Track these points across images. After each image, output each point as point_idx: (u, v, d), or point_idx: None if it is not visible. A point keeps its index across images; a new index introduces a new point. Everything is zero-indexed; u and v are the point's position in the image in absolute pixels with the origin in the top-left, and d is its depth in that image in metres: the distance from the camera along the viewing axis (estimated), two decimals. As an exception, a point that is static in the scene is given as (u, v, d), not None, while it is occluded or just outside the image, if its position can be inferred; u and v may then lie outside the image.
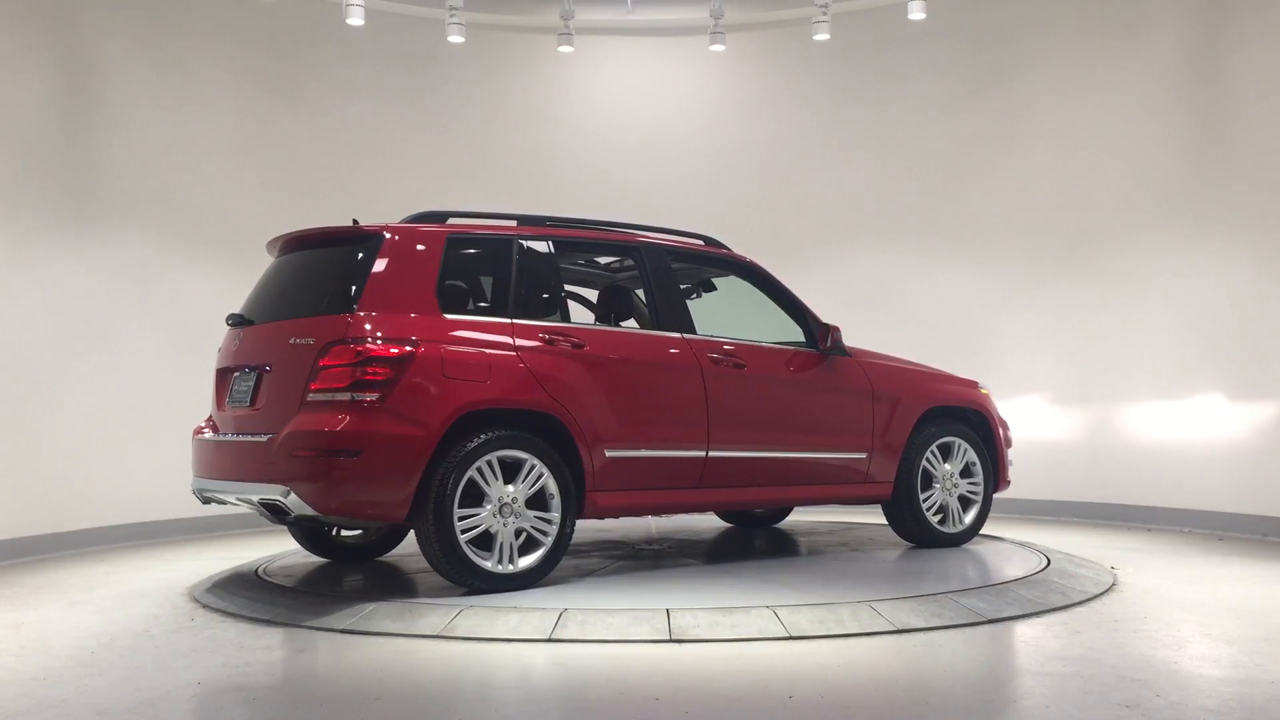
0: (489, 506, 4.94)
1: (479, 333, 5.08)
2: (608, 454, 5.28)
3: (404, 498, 4.78)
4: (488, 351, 5.03)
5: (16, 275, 7.11)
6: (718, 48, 9.19)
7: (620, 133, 9.70)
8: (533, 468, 5.04)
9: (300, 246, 5.48)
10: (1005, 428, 6.81)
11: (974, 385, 6.76)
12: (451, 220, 5.43)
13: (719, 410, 5.62)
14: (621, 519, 7.79)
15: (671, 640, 4.29)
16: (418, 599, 4.88)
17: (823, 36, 8.93)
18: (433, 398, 4.83)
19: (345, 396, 4.75)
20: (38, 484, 7.10)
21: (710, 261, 6.28)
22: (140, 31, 8.04)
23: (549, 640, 4.31)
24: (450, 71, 9.43)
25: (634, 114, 9.75)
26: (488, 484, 4.94)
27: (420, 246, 5.16)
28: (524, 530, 5.07)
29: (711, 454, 5.61)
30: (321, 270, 5.28)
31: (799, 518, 7.93)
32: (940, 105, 9.25)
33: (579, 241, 5.89)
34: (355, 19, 8.39)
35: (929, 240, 9.27)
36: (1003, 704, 3.58)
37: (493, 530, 4.96)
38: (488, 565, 4.94)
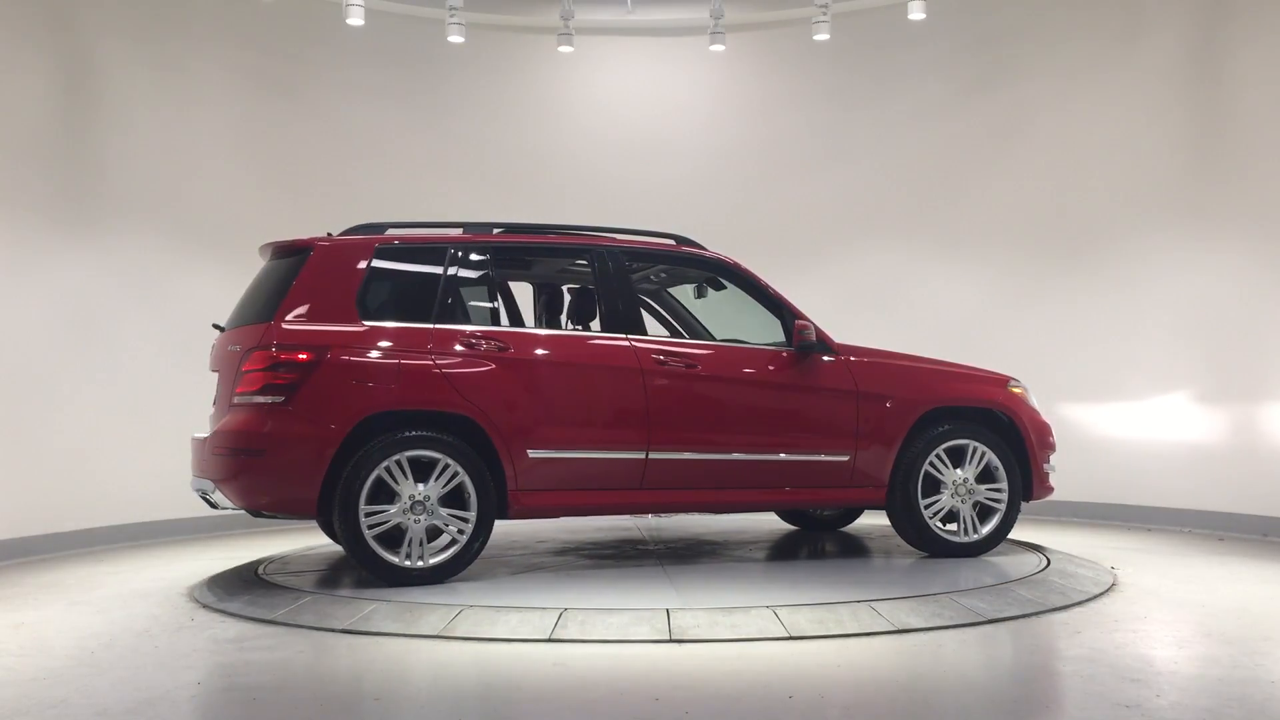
0: (398, 504, 5.16)
1: (395, 338, 5.31)
2: (531, 455, 5.37)
3: (311, 495, 5.10)
4: (402, 356, 5.26)
5: (16, 276, 7.10)
6: (718, 48, 9.19)
7: (620, 133, 9.69)
8: (446, 467, 5.21)
9: (267, 257, 5.79)
10: (1043, 430, 6.28)
11: (1000, 383, 6.27)
12: (391, 230, 5.66)
13: (661, 412, 5.58)
14: (621, 520, 7.82)
15: (671, 640, 4.29)
16: (418, 599, 4.88)
17: (823, 37, 8.92)
18: (338, 401, 5.13)
19: (258, 399, 5.14)
20: (38, 484, 7.10)
21: (681, 261, 6.24)
22: (140, 31, 8.03)
23: (549, 640, 4.31)
24: (450, 71, 9.42)
25: (634, 114, 9.75)
26: (397, 483, 5.15)
27: (347, 258, 5.45)
28: (439, 528, 5.26)
29: (653, 455, 5.57)
30: (267, 281, 5.60)
31: (869, 521, 7.59)
32: (940, 105, 9.25)
33: (525, 247, 5.98)
34: (355, 19, 8.39)
35: (929, 240, 9.27)
36: (1003, 704, 3.58)
37: (404, 527, 5.19)
38: (394, 560, 5.16)
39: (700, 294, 6.47)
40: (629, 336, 5.68)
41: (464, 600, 4.83)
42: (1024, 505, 6.23)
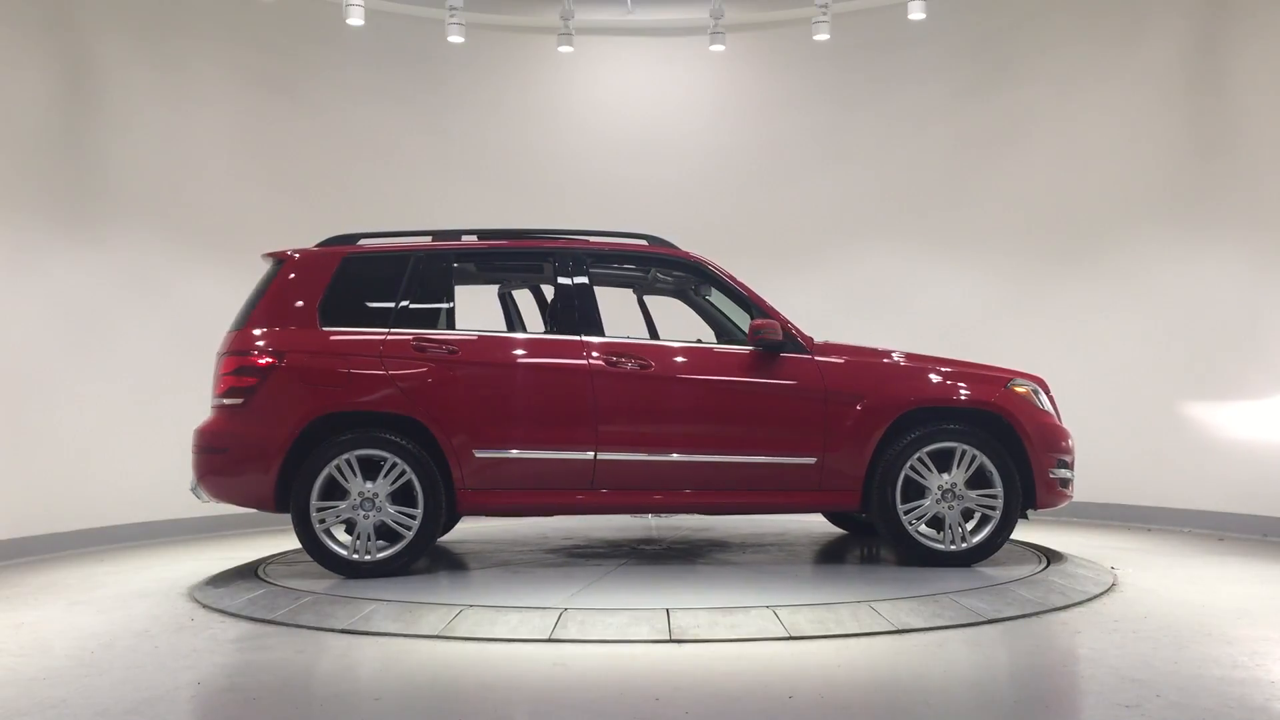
0: (348, 501, 5.49)
1: (349, 344, 5.64)
2: (478, 454, 5.56)
3: (267, 491, 5.51)
4: (353, 360, 5.59)
5: (16, 276, 7.10)
6: (718, 48, 9.19)
7: (620, 133, 9.69)
8: (394, 466, 5.50)
9: (267, 265, 6.06)
10: (1050, 433, 5.81)
11: (998, 382, 5.85)
12: (364, 240, 5.99)
13: (609, 412, 5.60)
14: (620, 518, 7.82)
15: (671, 640, 4.29)
16: (418, 599, 4.88)
17: (823, 36, 8.92)
18: (290, 403, 5.54)
19: (225, 401, 5.62)
20: (38, 484, 7.10)
21: (650, 260, 6.26)
22: (140, 31, 8.03)
23: (549, 640, 4.32)
24: (450, 71, 9.43)
25: (634, 114, 9.75)
26: (346, 480, 5.48)
27: (314, 268, 5.83)
28: (386, 523, 5.52)
29: (601, 456, 5.59)
30: (254, 290, 5.94)
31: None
32: (941, 106, 9.25)
33: (488, 252, 6.13)
34: (355, 19, 8.38)
35: (929, 240, 9.26)
36: (1003, 704, 3.58)
37: (354, 522, 5.52)
38: (343, 553, 5.49)
39: (701, 292, 6.47)
40: (582, 337, 5.72)
41: (464, 600, 4.83)
42: (1031, 514, 5.86)
